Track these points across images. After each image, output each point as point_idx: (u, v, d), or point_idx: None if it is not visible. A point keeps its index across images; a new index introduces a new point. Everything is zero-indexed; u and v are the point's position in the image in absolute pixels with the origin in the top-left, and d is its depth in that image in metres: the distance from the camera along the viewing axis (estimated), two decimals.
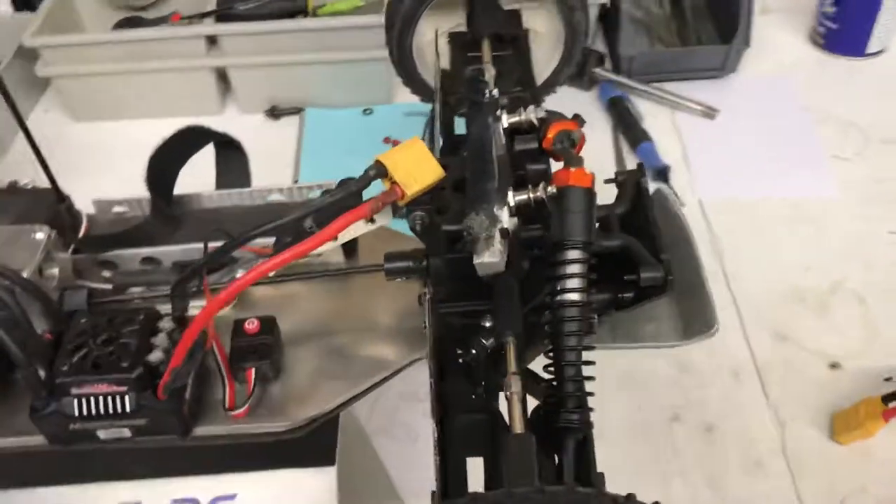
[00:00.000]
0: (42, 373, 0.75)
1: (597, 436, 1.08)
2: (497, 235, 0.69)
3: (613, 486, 1.04)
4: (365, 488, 1.01)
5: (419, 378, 0.79)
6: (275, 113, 1.62)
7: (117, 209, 0.97)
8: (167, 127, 1.60)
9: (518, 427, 0.63)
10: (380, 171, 0.75)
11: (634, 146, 1.48)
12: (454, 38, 1.08)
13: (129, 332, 0.77)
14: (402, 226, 0.82)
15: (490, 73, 0.82)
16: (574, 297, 0.71)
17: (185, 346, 0.74)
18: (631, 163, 1.48)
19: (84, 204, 0.97)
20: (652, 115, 1.56)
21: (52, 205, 0.92)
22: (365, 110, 1.58)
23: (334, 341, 0.87)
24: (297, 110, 1.62)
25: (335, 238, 0.83)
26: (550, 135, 0.78)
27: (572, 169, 0.72)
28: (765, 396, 1.13)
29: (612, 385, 1.15)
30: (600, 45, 1.68)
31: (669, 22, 1.73)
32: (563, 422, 0.69)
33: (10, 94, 0.91)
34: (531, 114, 0.79)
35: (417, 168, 0.76)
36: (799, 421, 1.09)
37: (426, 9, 1.04)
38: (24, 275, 0.78)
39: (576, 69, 1.57)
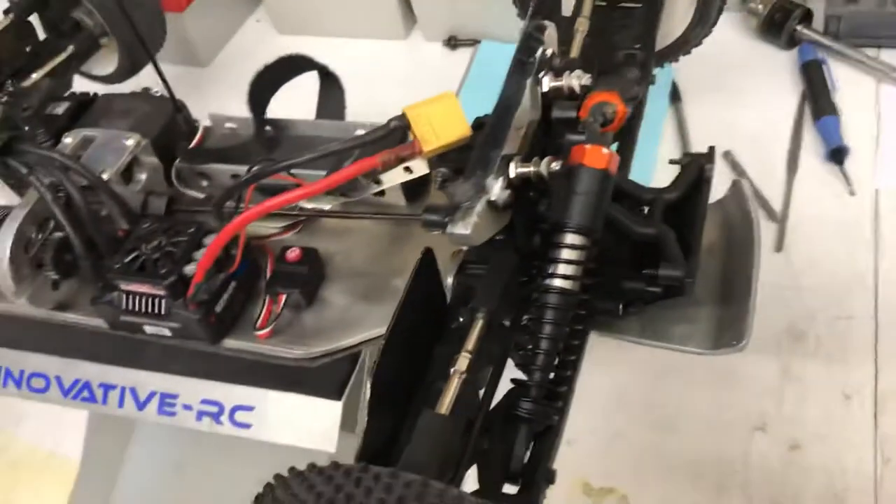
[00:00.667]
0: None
1: (668, 425, 1.03)
2: (478, 207, 0.66)
3: (652, 482, 0.99)
4: None
5: None
6: (452, 43, 1.62)
7: (228, 125, 1.04)
8: (360, 46, 1.70)
9: (444, 407, 0.62)
10: (402, 121, 0.74)
11: (817, 118, 1.31)
12: None
13: (177, 242, 0.84)
14: None
15: (552, 31, 0.76)
16: (560, 283, 0.67)
17: (205, 265, 0.80)
18: (810, 136, 1.31)
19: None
20: (853, 85, 1.36)
21: (170, 114, 1.01)
22: None
23: (371, 283, 0.89)
24: (474, 42, 1.61)
25: (378, 181, 0.84)
26: (587, 105, 0.72)
27: (588, 147, 0.66)
28: (874, 427, 0.99)
29: (704, 379, 1.07)
30: (814, 1, 1.48)
31: None
32: (520, 410, 0.67)
33: None
34: (574, 80, 0.73)
35: (443, 123, 0.74)
36: None
37: None
38: (105, 177, 0.88)
39: (773, 26, 1.42)
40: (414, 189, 0.93)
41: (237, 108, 1.00)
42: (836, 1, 1.39)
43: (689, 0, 1.01)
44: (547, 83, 0.75)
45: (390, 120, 0.75)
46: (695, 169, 0.77)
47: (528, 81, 0.74)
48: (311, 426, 0.84)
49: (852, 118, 1.31)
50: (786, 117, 1.36)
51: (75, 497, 1.05)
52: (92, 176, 0.86)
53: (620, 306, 0.76)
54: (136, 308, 0.84)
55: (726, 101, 1.40)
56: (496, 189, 0.67)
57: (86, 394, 0.92)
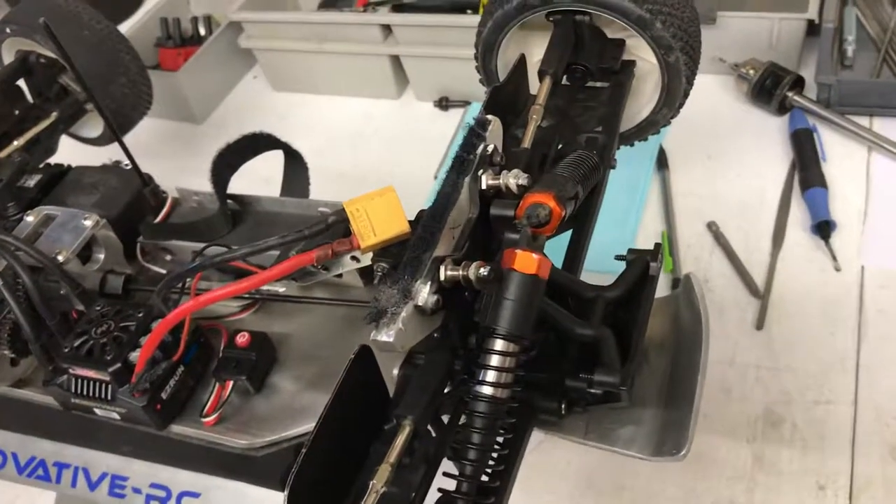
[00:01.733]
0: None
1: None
2: (403, 314, 0.65)
3: None
4: None
5: None
6: (443, 104, 1.62)
7: (195, 198, 1.05)
8: (352, 104, 1.71)
9: None
10: (340, 217, 0.74)
11: (805, 189, 1.29)
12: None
13: (125, 326, 0.84)
14: None
15: (495, 126, 0.76)
16: (488, 390, 0.66)
17: (146, 355, 0.79)
18: (797, 207, 1.29)
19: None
20: (842, 156, 1.34)
21: (137, 189, 1.02)
22: None
23: (325, 368, 0.88)
24: (464, 103, 1.62)
25: (325, 268, 0.84)
26: (523, 206, 0.71)
27: (518, 251, 0.65)
28: None
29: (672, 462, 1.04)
30: (811, 66, 1.46)
31: None
32: None
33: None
34: (511, 179, 0.72)
35: (382, 219, 0.74)
36: None
37: (506, 35, 0.98)
38: (60, 258, 0.88)
39: (763, 92, 1.41)
40: (371, 272, 0.92)
41: None
42: (828, 68, 1.37)
43: (655, 83, 1.00)
44: (485, 181, 0.74)
45: (328, 215, 0.75)
46: (640, 266, 0.76)
47: (467, 179, 0.73)
48: None
49: (841, 189, 1.29)
50: (774, 186, 1.33)
51: None
52: (45, 258, 0.86)
53: (563, 406, 0.75)
54: (85, 392, 0.84)
55: (714, 168, 1.38)
56: (423, 294, 0.66)
57: (41, 472, 0.92)
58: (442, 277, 0.67)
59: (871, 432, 1.02)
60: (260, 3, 1.67)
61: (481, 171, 0.74)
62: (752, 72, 1.43)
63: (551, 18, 0.96)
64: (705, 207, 1.33)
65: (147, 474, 0.88)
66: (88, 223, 0.93)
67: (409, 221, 0.74)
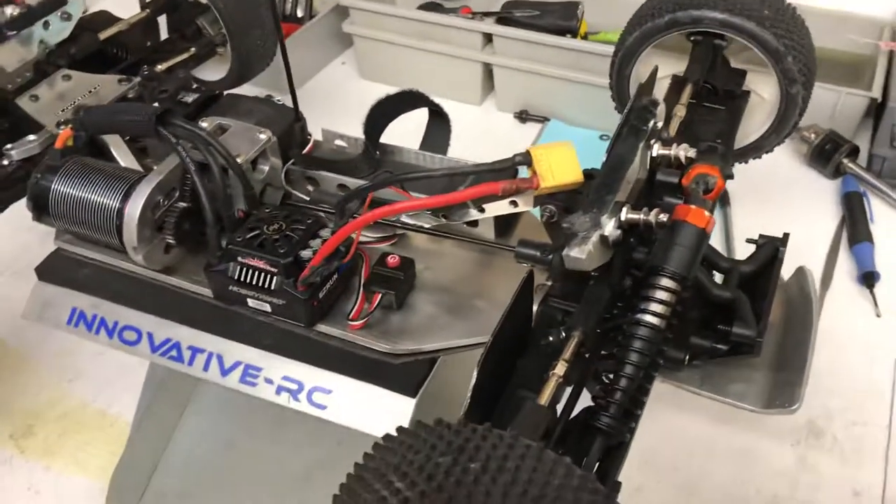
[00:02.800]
0: (224, 240, 0.94)
1: (687, 488, 1.09)
2: (593, 238, 0.75)
3: None
4: None
5: None
6: (523, 116, 1.75)
7: (338, 142, 1.15)
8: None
9: (544, 399, 0.70)
10: (525, 158, 0.85)
11: (852, 244, 1.43)
12: (675, 80, 1.14)
13: (296, 229, 0.93)
14: None
15: (662, 108, 0.88)
16: (651, 319, 0.76)
17: (325, 252, 0.88)
18: (844, 258, 1.42)
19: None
20: (888, 221, 1.48)
21: (290, 121, 1.11)
22: (602, 136, 1.67)
23: (456, 300, 0.98)
24: (542, 119, 1.74)
25: (481, 209, 0.94)
26: (691, 174, 0.82)
27: (693, 207, 0.77)
28: None
29: (726, 452, 1.15)
30: (864, 139, 1.62)
31: None
32: (598, 422, 0.75)
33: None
34: (681, 151, 0.84)
35: (561, 167, 0.84)
36: None
37: (647, 47, 1.11)
38: (239, 160, 0.97)
39: (822, 155, 1.55)
40: (503, 225, 1.03)
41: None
42: (883, 143, 1.53)
43: (769, 112, 1.13)
44: (656, 150, 0.85)
45: (515, 155, 0.85)
46: (770, 248, 0.88)
47: (641, 145, 0.84)
48: (383, 417, 0.91)
49: (885, 249, 1.43)
50: (824, 239, 1.47)
51: (125, 458, 1.10)
52: (230, 156, 0.95)
53: (686, 358, 0.85)
54: (248, 280, 0.92)
55: (770, 214, 1.52)
56: (610, 226, 0.77)
57: (174, 353, 0.99)
58: (623, 217, 0.78)
59: None
60: None
61: (652, 140, 0.86)
62: (813, 136, 1.58)
63: (692, 38, 1.09)
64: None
65: (282, 368, 0.95)
66: (263, 136, 1.02)
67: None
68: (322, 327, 0.94)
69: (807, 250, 1.45)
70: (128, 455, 1.12)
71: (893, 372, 1.25)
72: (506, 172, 0.88)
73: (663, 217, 0.77)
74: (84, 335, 1.03)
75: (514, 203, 0.92)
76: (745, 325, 0.80)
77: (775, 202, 1.55)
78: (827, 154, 1.56)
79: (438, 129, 1.14)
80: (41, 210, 1.01)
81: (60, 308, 1.04)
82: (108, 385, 1.25)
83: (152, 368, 1.21)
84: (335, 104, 1.84)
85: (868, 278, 1.37)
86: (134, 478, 1.07)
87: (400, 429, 0.65)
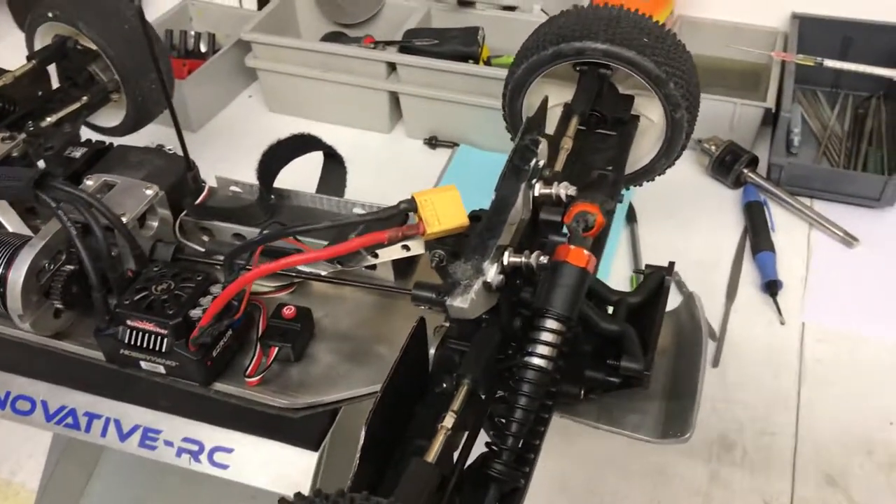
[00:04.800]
0: (113, 302, 0.92)
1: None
2: (476, 286, 0.75)
3: None
4: None
5: None
6: (432, 142, 1.75)
7: (233, 188, 1.13)
8: (344, 133, 1.81)
9: (431, 457, 0.70)
10: (411, 205, 0.85)
11: (755, 253, 1.46)
12: (567, 112, 1.15)
13: (185, 287, 0.92)
14: None
15: (544, 145, 0.88)
16: (538, 361, 0.77)
17: (213, 311, 0.87)
18: (748, 267, 1.46)
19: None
20: (788, 228, 1.53)
21: (181, 171, 1.09)
22: None
23: (358, 346, 0.97)
24: (452, 144, 1.75)
25: (375, 255, 0.94)
26: (571, 212, 0.83)
27: (572, 247, 0.77)
28: None
29: (641, 474, 1.16)
30: (763, 148, 1.66)
31: (843, 140, 1.68)
32: (492, 471, 0.75)
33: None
34: (562, 189, 0.85)
35: (446, 211, 0.84)
36: None
37: (536, 78, 1.12)
38: (124, 220, 0.95)
39: (722, 166, 1.59)
40: (402, 267, 1.03)
41: (221, 172, 1.12)
42: (779, 152, 1.57)
43: (658, 136, 1.15)
44: (538, 189, 0.86)
45: (400, 202, 0.85)
46: (657, 279, 0.89)
47: (523, 186, 0.85)
48: (287, 473, 0.90)
49: (786, 256, 1.47)
50: (728, 248, 1.51)
51: None
52: (114, 216, 0.93)
53: (581, 392, 0.86)
54: (138, 343, 0.90)
55: (676, 227, 1.55)
56: (492, 272, 0.77)
57: (70, 420, 0.96)
58: (505, 262, 0.79)
59: (809, 461, 1.17)
60: (268, 27, 1.78)
61: (534, 180, 0.86)
62: (714, 147, 1.62)
63: (578, 69, 1.10)
64: (667, 260, 1.48)
65: (180, 429, 0.94)
66: (149, 192, 1.00)
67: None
68: (219, 385, 0.92)
69: (713, 260, 1.49)
70: None
71: (797, 378, 1.28)
72: (395, 219, 0.88)
73: (543, 259, 0.78)
74: None
75: (406, 248, 0.92)
76: (632, 359, 0.81)
77: (681, 215, 1.58)
78: (727, 165, 1.60)
79: (334, 171, 1.14)
80: None
81: None
82: (11, 453, 1.21)
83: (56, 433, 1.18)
84: (243, 139, 1.82)
85: (771, 287, 1.40)
86: None
87: (281, 500, 0.65)
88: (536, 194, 0.86)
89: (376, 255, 0.95)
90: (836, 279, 1.44)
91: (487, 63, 1.71)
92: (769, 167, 1.59)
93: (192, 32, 1.95)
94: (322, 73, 1.73)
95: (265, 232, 0.90)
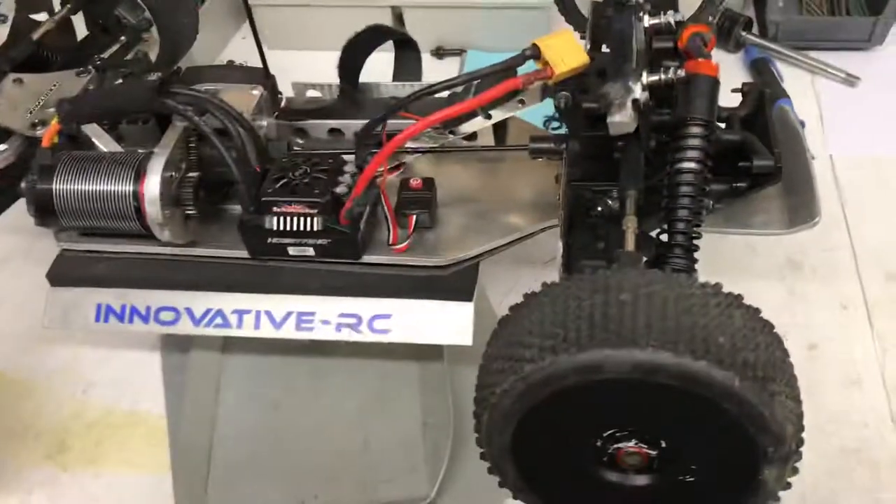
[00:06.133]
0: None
1: None
2: (629, 102, 0.82)
3: None
4: None
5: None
6: (440, 53, 1.79)
7: (311, 92, 1.16)
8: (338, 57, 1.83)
9: (630, 247, 0.77)
10: (534, 52, 0.90)
11: (772, 102, 1.56)
12: None
13: (321, 170, 0.96)
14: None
15: None
16: (691, 164, 0.84)
17: (366, 179, 0.91)
18: None
19: None
20: (792, 79, 1.63)
21: (261, 80, 1.12)
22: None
23: (480, 206, 1.03)
24: (459, 51, 1.79)
25: (488, 115, 0.99)
26: (685, 36, 0.90)
27: (701, 60, 0.84)
28: (870, 327, 1.20)
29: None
30: (751, 12, 1.76)
31: None
32: (670, 264, 0.82)
33: None
34: (670, 17, 0.92)
35: (567, 53, 0.90)
36: None
37: None
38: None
39: (722, 32, 1.68)
40: (497, 134, 1.09)
41: None
42: (774, 9, 1.67)
43: None
44: (647, 21, 0.93)
45: (524, 50, 0.91)
46: (755, 91, 0.97)
47: (633, 18, 0.91)
48: (445, 326, 0.96)
49: (797, 102, 1.56)
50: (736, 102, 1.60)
51: (178, 445, 1.10)
52: (239, 115, 0.96)
53: (711, 203, 0.94)
54: (288, 228, 0.94)
55: None
56: (638, 89, 0.83)
57: (219, 321, 1.00)
58: (645, 81, 0.85)
59: (869, 265, 1.28)
60: None
61: (640, 13, 0.93)
62: (710, 17, 1.71)
63: None
64: None
65: (334, 307, 0.98)
66: (256, 93, 1.03)
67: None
68: (368, 258, 0.97)
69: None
70: (180, 441, 1.11)
71: (840, 203, 1.39)
72: (508, 73, 0.93)
73: (682, 72, 0.84)
74: (117, 329, 1.02)
75: (522, 102, 0.97)
76: (763, 157, 0.89)
77: None
78: (726, 30, 1.69)
79: (408, 57, 1.18)
80: (45, 213, 0.98)
81: (85, 308, 1.03)
82: (126, 385, 1.22)
83: (167, 356, 1.20)
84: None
85: None
86: (194, 460, 1.07)
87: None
88: (647, 25, 0.93)
89: (489, 116, 1.00)
90: (848, 115, 1.55)
91: None
92: (765, 25, 1.69)
93: None
94: None
95: (401, 99, 0.94)
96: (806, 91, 1.61)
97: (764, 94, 0.97)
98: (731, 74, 1.67)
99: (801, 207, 0.93)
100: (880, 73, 1.62)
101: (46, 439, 1.16)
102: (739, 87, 0.99)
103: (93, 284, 1.02)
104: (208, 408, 1.14)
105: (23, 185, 0.98)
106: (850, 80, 1.61)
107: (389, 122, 0.98)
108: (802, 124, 1.48)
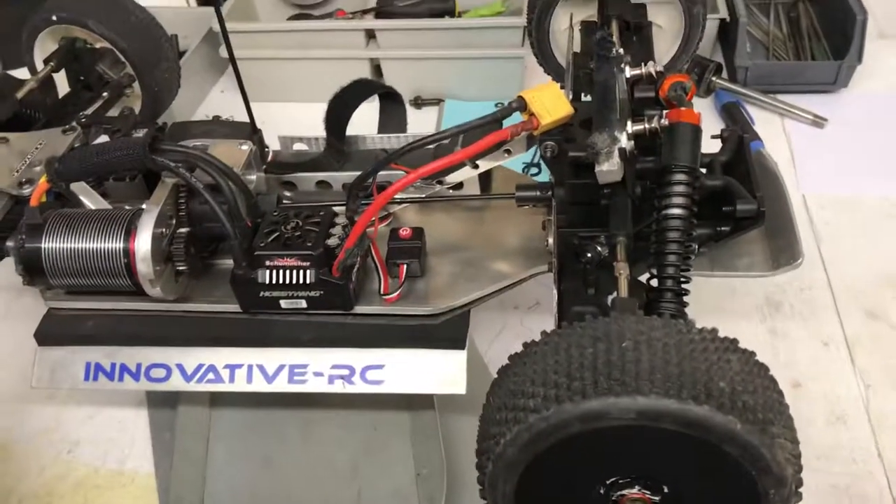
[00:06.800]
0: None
1: None
2: (616, 151, 0.84)
3: None
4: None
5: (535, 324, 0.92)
6: (418, 102, 1.82)
7: (298, 145, 1.18)
8: (324, 111, 1.85)
9: (623, 293, 0.78)
10: (520, 104, 0.92)
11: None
12: (586, 26, 1.24)
13: (312, 223, 0.96)
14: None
15: (615, 34, 0.98)
16: (679, 211, 0.86)
17: (358, 231, 0.92)
18: None
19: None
20: (762, 122, 1.68)
21: (248, 134, 1.13)
22: (497, 104, 1.77)
23: (469, 254, 1.04)
24: (437, 101, 1.82)
25: (475, 165, 1.01)
26: (666, 85, 0.93)
27: (683, 108, 0.87)
28: (852, 363, 1.22)
29: None
30: (719, 58, 1.81)
31: (786, 41, 1.85)
32: (662, 309, 0.83)
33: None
34: (650, 67, 0.95)
35: (552, 104, 0.92)
36: (884, 385, 1.19)
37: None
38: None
39: (696, 78, 1.73)
40: (483, 183, 1.10)
41: None
42: (742, 55, 1.72)
43: (671, 38, 1.27)
44: (628, 71, 0.96)
45: (511, 102, 0.93)
46: (734, 137, 1.00)
47: (615, 70, 0.94)
48: (440, 375, 0.96)
49: (768, 144, 1.61)
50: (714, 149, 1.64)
51: (169, 501, 1.08)
52: (229, 170, 0.97)
53: (696, 247, 0.96)
54: (280, 281, 0.94)
55: None
56: (623, 139, 0.86)
57: (211, 376, 0.99)
58: (630, 130, 0.87)
59: (848, 304, 1.31)
60: (230, 19, 1.80)
61: (622, 64, 0.96)
62: (683, 65, 1.75)
63: None
64: None
65: (327, 358, 0.98)
66: (245, 148, 1.03)
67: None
68: (360, 308, 0.97)
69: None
70: (170, 500, 1.09)
71: (815, 241, 1.42)
72: (494, 126, 0.95)
73: (665, 121, 0.87)
74: (107, 387, 1.01)
75: (508, 152, 0.99)
76: (746, 202, 0.92)
77: None
78: (697, 76, 1.74)
79: (393, 109, 1.19)
80: (34, 272, 0.98)
81: (74, 367, 1.02)
82: (112, 444, 1.20)
83: (154, 412, 1.19)
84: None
85: None
86: None
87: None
88: (628, 76, 0.95)
89: (477, 166, 1.02)
90: (818, 155, 1.60)
91: (459, 17, 1.79)
92: (734, 72, 1.74)
93: None
94: (300, 52, 1.77)
95: (394, 152, 0.95)
96: (777, 133, 1.66)
97: (743, 139, 1.00)
98: (703, 119, 1.71)
99: (783, 249, 0.96)
100: (847, 114, 1.68)
101: (30, 503, 1.14)
102: (718, 132, 1.02)
103: (82, 343, 1.02)
104: (198, 465, 1.12)
105: (9, 244, 0.98)
106: (819, 121, 1.65)
107: (378, 173, 1.00)
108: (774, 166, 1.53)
